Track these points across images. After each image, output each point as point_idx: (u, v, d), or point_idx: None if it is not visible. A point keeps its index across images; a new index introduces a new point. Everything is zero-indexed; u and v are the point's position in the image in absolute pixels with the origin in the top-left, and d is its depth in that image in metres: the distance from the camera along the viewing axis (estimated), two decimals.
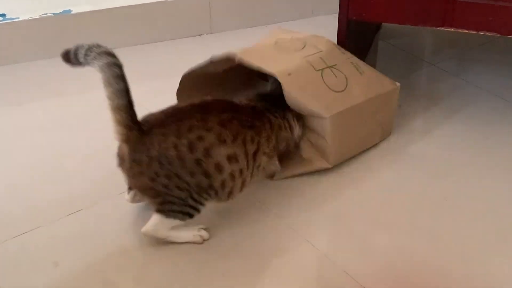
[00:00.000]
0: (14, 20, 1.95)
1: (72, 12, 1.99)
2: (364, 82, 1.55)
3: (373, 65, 1.99)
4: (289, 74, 1.44)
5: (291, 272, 1.29)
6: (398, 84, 1.60)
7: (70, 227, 1.39)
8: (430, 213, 1.43)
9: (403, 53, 2.06)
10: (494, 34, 1.50)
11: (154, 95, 1.81)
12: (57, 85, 1.90)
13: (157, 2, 2.06)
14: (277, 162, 1.45)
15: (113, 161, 1.58)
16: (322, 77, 1.49)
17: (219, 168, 1.27)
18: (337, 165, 1.58)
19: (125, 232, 1.38)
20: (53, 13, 1.98)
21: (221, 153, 1.26)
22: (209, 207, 1.44)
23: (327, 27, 1.87)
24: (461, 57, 2.03)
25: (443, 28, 1.53)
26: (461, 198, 1.48)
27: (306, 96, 1.45)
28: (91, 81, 1.91)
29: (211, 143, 1.25)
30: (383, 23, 2.17)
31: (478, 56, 2.04)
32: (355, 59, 1.59)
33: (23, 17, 1.96)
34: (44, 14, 1.97)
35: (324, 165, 1.52)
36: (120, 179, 1.51)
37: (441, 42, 2.14)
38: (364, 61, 1.95)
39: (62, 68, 1.96)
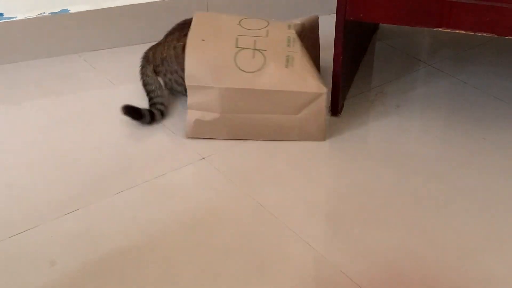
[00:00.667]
0: (11, 19, 1.94)
1: (69, 11, 1.99)
2: (281, 74, 1.58)
3: (370, 65, 2.00)
4: (203, 40, 1.62)
5: (289, 272, 1.29)
6: (325, 89, 1.57)
7: (67, 226, 1.39)
8: (427, 213, 1.44)
9: (400, 54, 2.07)
10: (491, 35, 1.51)
11: None
12: (54, 84, 1.89)
13: (155, 1, 2.06)
14: None
15: (111, 159, 1.59)
16: (236, 54, 1.60)
17: None
18: (339, 165, 1.59)
19: (122, 231, 1.38)
20: (51, 13, 1.97)
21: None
22: (207, 206, 1.45)
23: (324, 26, 1.88)
24: (458, 57, 2.04)
25: (440, 29, 1.53)
26: (458, 198, 1.48)
27: (202, 61, 1.59)
28: (88, 80, 1.93)
29: None
30: (380, 24, 2.17)
31: (475, 56, 2.04)
32: (298, 55, 1.61)
33: (20, 16, 1.95)
34: (41, 13, 1.97)
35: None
36: (117, 179, 1.52)
37: (438, 43, 2.14)
38: (361, 61, 1.96)
39: (59, 67, 1.98)
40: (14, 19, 1.95)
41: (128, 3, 2.04)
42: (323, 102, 1.59)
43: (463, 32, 1.51)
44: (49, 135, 1.68)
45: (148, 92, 1.75)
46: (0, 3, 1.92)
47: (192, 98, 1.61)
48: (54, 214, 1.41)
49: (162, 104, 1.73)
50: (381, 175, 1.55)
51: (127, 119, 1.71)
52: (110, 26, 2.05)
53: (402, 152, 1.63)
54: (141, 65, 1.80)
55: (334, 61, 1.66)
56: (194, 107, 1.62)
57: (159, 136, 1.67)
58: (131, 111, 1.68)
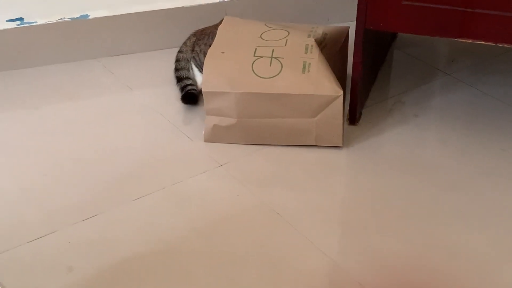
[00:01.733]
0: (31, 24, 1.95)
1: (89, 17, 2.00)
2: (297, 78, 1.59)
3: (388, 74, 1.99)
4: (223, 52, 1.66)
5: (304, 281, 1.29)
6: (341, 92, 1.57)
7: (85, 232, 1.39)
8: (445, 224, 1.43)
9: (419, 62, 2.06)
10: None
11: (167, 100, 1.82)
12: (73, 89, 1.90)
13: (174, 8, 2.06)
14: None
15: (128, 165, 1.59)
16: (253, 62, 1.62)
17: None
18: (356, 173, 1.59)
19: (140, 238, 1.39)
20: (70, 18, 1.98)
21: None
22: (224, 214, 1.45)
23: None
24: (477, 67, 2.03)
25: (460, 39, 1.52)
26: (476, 209, 1.47)
27: (220, 71, 1.62)
28: (106, 85, 1.94)
29: None
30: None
31: (494, 66, 2.03)
32: (315, 61, 1.61)
33: (40, 21, 1.96)
34: (61, 18, 1.98)
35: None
36: (135, 185, 1.53)
37: (457, 52, 2.13)
38: (379, 70, 1.96)
39: (78, 72, 1.99)
40: (34, 24, 1.96)
41: (146, 9, 2.05)
42: (340, 105, 1.58)
43: (483, 42, 1.50)
44: (67, 140, 1.69)
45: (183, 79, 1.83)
46: (20, 8, 1.94)
47: (208, 104, 1.62)
48: (72, 220, 1.41)
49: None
50: (399, 184, 1.54)
51: (143, 124, 1.72)
52: (129, 31, 2.06)
53: (419, 162, 1.62)
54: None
55: (353, 69, 1.66)
56: (211, 113, 1.63)
57: (177, 143, 1.67)
58: (189, 99, 1.78)
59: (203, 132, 1.66)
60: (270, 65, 1.61)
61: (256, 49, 1.65)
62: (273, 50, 1.65)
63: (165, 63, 1.97)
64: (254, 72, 1.61)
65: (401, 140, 1.69)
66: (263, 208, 1.47)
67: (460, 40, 1.53)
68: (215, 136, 1.65)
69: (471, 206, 1.48)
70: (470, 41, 1.52)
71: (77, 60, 2.03)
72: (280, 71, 1.60)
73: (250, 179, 1.55)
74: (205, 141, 1.66)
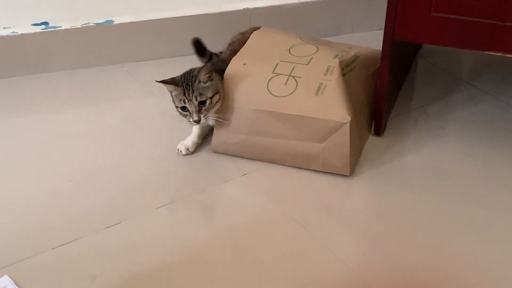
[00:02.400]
0: (56, 29, 1.96)
1: (114, 22, 2.00)
2: (309, 100, 1.56)
3: (413, 84, 1.98)
4: (244, 64, 1.65)
5: None
6: (349, 118, 1.51)
7: (109, 239, 1.39)
8: (470, 238, 1.41)
9: (444, 73, 2.04)
10: None
11: None
12: (96, 94, 1.91)
13: (198, 14, 2.06)
14: None
15: (151, 173, 1.59)
16: (270, 79, 1.60)
17: None
18: (380, 185, 1.56)
19: (163, 246, 1.38)
20: (95, 23, 1.99)
21: None
22: (247, 223, 1.44)
23: (366, 42, 1.86)
24: (503, 79, 2.00)
25: (490, 53, 1.50)
26: (502, 223, 1.45)
27: (238, 84, 1.61)
28: (130, 91, 1.94)
29: None
30: None
31: None
32: (332, 84, 1.57)
33: (65, 25, 1.97)
34: (86, 23, 1.98)
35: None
36: (158, 193, 1.52)
37: (482, 63, 2.11)
38: (404, 80, 1.94)
39: (102, 77, 1.99)
40: (59, 28, 1.97)
41: (171, 16, 2.05)
42: (347, 132, 1.53)
43: None
44: (90, 145, 1.69)
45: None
46: (45, 13, 1.95)
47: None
48: (96, 227, 1.41)
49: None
50: (424, 197, 1.53)
51: (167, 131, 1.72)
52: (154, 37, 2.06)
53: (445, 174, 1.60)
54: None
55: (379, 80, 1.65)
56: (221, 127, 1.62)
57: (200, 151, 1.66)
58: (198, 45, 1.79)
59: (212, 143, 1.65)
60: (285, 84, 1.59)
61: (277, 64, 1.64)
62: (293, 68, 1.63)
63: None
64: (268, 90, 1.59)
65: (426, 152, 1.67)
66: (287, 219, 1.46)
67: (489, 53, 1.51)
68: (222, 149, 1.64)
69: (498, 220, 1.46)
70: (500, 54, 1.50)
71: (101, 65, 2.03)
72: (293, 91, 1.58)
73: (274, 189, 1.54)
74: (213, 150, 1.65)
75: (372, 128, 1.72)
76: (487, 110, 1.85)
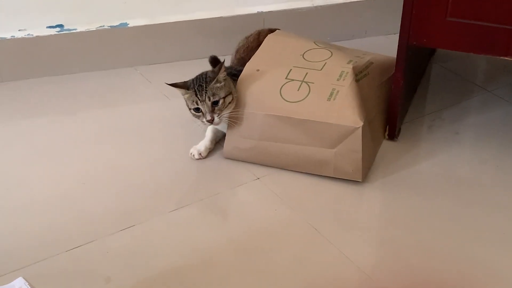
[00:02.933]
0: (71, 31, 1.97)
1: (128, 25, 2.01)
2: (321, 106, 1.55)
3: (427, 89, 1.97)
4: (258, 70, 1.64)
5: None
6: (361, 123, 1.50)
7: (123, 242, 1.39)
8: (487, 245, 1.40)
9: (457, 77, 2.03)
10: None
11: None
12: (110, 97, 1.91)
13: (212, 18, 2.07)
14: None
15: (165, 176, 1.59)
16: (283, 85, 1.60)
17: None
18: (395, 191, 1.56)
19: (177, 250, 1.38)
20: (110, 26, 2.00)
21: None
22: (261, 227, 1.44)
23: (379, 46, 1.86)
24: None
25: (506, 58, 1.49)
26: None
27: (251, 90, 1.61)
28: (143, 93, 1.94)
29: None
30: None
31: None
32: (344, 89, 1.56)
33: (80, 28, 1.98)
34: (101, 26, 1.99)
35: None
36: (172, 196, 1.52)
37: (496, 68, 2.10)
38: (418, 84, 1.93)
39: (116, 79, 2.00)
40: (74, 31, 1.98)
41: (185, 19, 2.06)
42: (358, 137, 1.51)
43: None
44: (104, 148, 1.70)
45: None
46: (60, 15, 1.96)
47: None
48: (110, 230, 1.42)
49: None
50: (438, 203, 1.52)
51: (181, 134, 1.72)
52: (167, 40, 2.06)
53: (460, 180, 1.60)
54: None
55: (393, 84, 1.64)
56: (233, 133, 1.62)
57: (213, 155, 1.66)
58: (215, 62, 1.76)
59: (223, 148, 1.64)
60: (298, 90, 1.59)
61: (291, 70, 1.63)
62: (306, 73, 1.62)
63: None
64: (281, 95, 1.59)
65: (441, 158, 1.66)
66: (301, 223, 1.45)
67: (506, 58, 1.50)
68: (234, 155, 1.64)
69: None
70: None
71: (115, 67, 2.04)
72: (306, 96, 1.57)
73: (287, 193, 1.54)
74: (225, 157, 1.64)
75: (386, 132, 1.71)
76: (502, 115, 1.84)
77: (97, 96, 1.92)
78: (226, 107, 1.58)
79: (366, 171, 1.58)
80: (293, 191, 1.55)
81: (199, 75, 1.62)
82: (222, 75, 1.58)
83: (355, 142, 1.52)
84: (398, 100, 1.66)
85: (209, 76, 1.59)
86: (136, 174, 1.60)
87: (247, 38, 1.85)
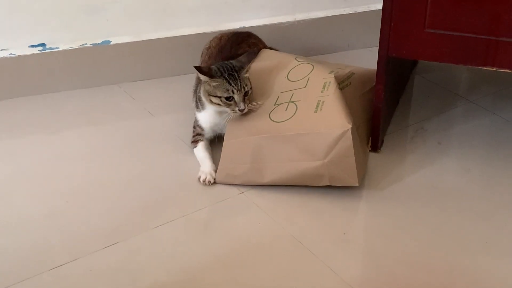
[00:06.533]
0: (54, 50, 1.97)
1: (111, 42, 2.01)
2: (309, 118, 1.56)
3: (410, 100, 1.98)
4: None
5: None
6: (349, 125, 1.49)
7: (106, 260, 1.38)
8: (471, 254, 1.41)
9: (440, 89, 2.05)
10: None
11: (187, 126, 1.81)
12: (94, 114, 1.91)
13: (195, 34, 2.07)
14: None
15: (149, 192, 1.59)
16: (272, 110, 1.61)
17: None
18: (379, 202, 1.57)
19: (161, 266, 1.38)
20: (93, 44, 2.00)
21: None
22: (245, 242, 1.44)
23: (362, 59, 1.87)
24: (500, 94, 2.01)
25: (485, 68, 1.51)
26: (502, 239, 1.45)
27: (241, 119, 1.61)
28: (127, 110, 1.94)
29: None
30: None
31: None
32: (329, 98, 1.57)
33: (62, 47, 1.98)
34: (83, 44, 1.99)
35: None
36: (156, 212, 1.52)
37: (478, 78, 2.12)
38: (401, 96, 1.94)
39: (100, 97, 2.00)
40: (56, 49, 1.98)
41: (167, 36, 2.06)
42: (349, 140, 1.50)
43: (508, 71, 1.49)
44: (89, 165, 1.69)
45: None
46: (43, 34, 1.96)
47: (225, 152, 1.62)
48: (94, 247, 1.41)
49: None
50: (422, 213, 1.52)
51: (164, 150, 1.73)
52: (151, 57, 2.07)
53: (443, 190, 1.60)
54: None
55: (375, 96, 1.65)
56: (226, 160, 1.61)
57: (198, 169, 1.66)
58: None
59: (216, 174, 1.62)
60: (286, 110, 1.60)
61: (278, 96, 1.65)
62: (292, 94, 1.64)
63: (186, 88, 1.97)
64: (270, 118, 1.59)
65: (424, 168, 1.67)
66: (285, 236, 1.45)
67: (484, 68, 1.51)
68: (228, 181, 1.62)
69: (497, 236, 1.46)
70: (494, 69, 1.50)
71: (99, 85, 2.04)
72: (294, 114, 1.58)
73: (271, 207, 1.54)
74: (218, 182, 1.62)
75: (369, 144, 1.72)
76: (485, 125, 1.86)
77: (81, 114, 1.92)
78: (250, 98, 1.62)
79: (360, 175, 1.57)
80: (277, 204, 1.55)
81: (223, 64, 1.62)
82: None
83: (347, 146, 1.51)
84: (380, 112, 1.67)
85: (237, 66, 1.61)
86: (119, 191, 1.60)
87: (219, 39, 1.88)
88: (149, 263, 1.38)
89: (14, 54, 1.94)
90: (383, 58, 1.59)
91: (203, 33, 2.07)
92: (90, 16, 1.97)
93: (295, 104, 1.60)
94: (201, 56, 1.89)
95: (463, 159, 1.72)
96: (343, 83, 1.65)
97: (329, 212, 1.53)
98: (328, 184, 1.57)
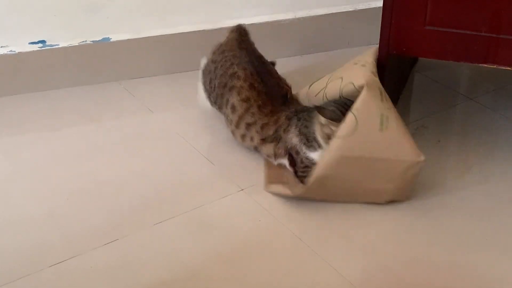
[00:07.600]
0: (53, 47, 1.97)
1: (111, 39, 2.01)
2: (377, 139, 1.44)
3: (410, 98, 1.98)
4: None
5: None
6: (423, 157, 1.43)
7: (106, 257, 1.38)
8: (469, 252, 1.41)
9: (440, 86, 2.05)
10: None
11: (188, 123, 1.82)
12: (94, 111, 1.91)
13: (195, 31, 2.07)
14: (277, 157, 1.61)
15: (149, 189, 1.59)
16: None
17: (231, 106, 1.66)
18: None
19: (161, 263, 1.38)
20: (92, 41, 2.00)
21: (234, 98, 1.65)
22: (246, 239, 1.44)
23: None
24: (500, 92, 2.01)
25: (485, 65, 1.51)
26: (504, 236, 1.45)
27: None
28: (128, 107, 1.94)
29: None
30: None
31: None
32: (392, 113, 1.46)
33: (62, 44, 1.98)
34: (83, 41, 1.99)
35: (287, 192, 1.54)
36: (156, 209, 1.52)
37: (479, 76, 2.12)
38: (401, 93, 1.94)
39: (100, 94, 2.00)
40: (56, 46, 1.97)
41: (168, 33, 2.06)
42: (419, 170, 1.46)
43: (509, 69, 1.49)
44: (89, 163, 1.69)
45: None
46: (43, 31, 1.95)
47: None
48: (93, 244, 1.41)
49: None
50: (423, 213, 1.52)
51: (164, 147, 1.73)
52: (150, 54, 2.06)
53: (444, 189, 1.60)
54: None
55: None
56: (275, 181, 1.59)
57: (198, 166, 1.66)
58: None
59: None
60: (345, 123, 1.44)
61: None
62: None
63: (186, 85, 1.98)
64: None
65: (423, 167, 1.66)
66: (285, 234, 1.45)
67: (484, 65, 1.51)
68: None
69: (498, 234, 1.46)
70: (494, 66, 1.50)
71: (99, 82, 2.04)
72: (354, 130, 1.42)
73: (272, 204, 1.54)
74: (265, 190, 1.58)
75: None
76: (485, 123, 1.86)
77: (81, 111, 1.92)
78: None
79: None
80: (277, 201, 1.55)
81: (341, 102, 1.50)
82: None
83: (414, 176, 1.47)
84: None
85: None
86: (119, 188, 1.60)
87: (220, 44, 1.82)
88: (150, 260, 1.38)
89: (14, 51, 1.94)
90: (384, 56, 1.59)
91: (204, 30, 2.07)
92: (90, 13, 1.97)
93: (354, 115, 1.43)
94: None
95: (464, 157, 1.72)
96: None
97: (329, 209, 1.53)
98: (384, 202, 1.53)
